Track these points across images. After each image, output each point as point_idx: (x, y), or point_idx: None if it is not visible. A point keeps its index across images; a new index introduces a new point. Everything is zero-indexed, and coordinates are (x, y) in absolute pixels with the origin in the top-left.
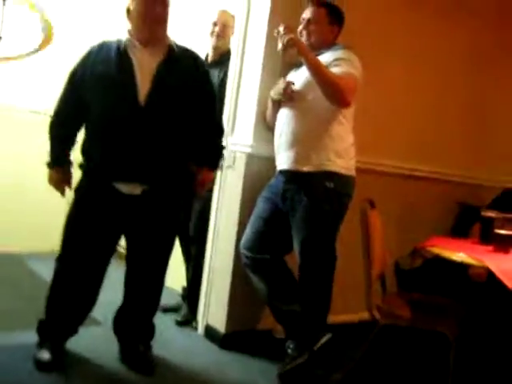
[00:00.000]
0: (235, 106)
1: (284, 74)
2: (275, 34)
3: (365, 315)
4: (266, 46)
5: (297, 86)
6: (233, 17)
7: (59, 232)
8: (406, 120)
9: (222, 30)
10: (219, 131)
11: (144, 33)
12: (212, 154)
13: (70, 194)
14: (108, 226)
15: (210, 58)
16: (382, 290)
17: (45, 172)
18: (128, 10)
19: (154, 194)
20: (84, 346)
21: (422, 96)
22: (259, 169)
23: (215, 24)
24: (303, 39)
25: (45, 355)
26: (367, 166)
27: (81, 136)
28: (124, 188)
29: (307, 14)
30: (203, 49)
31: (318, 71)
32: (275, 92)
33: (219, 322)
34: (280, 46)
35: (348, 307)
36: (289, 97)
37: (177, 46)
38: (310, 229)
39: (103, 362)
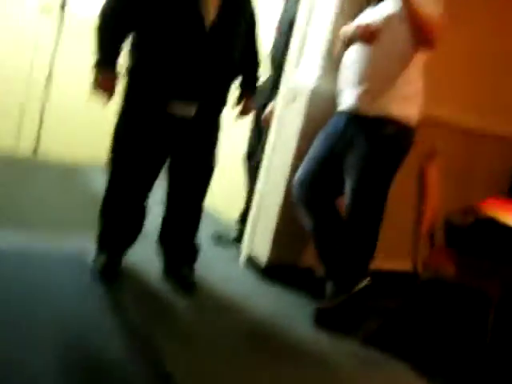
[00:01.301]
0: (303, 41)
1: (359, 11)
2: None
3: (409, 266)
4: None
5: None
6: None
7: None
8: (476, 73)
9: None
10: (259, 61)
11: None
12: (254, 82)
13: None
14: (157, 147)
15: None
16: (429, 244)
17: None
18: None
19: (203, 116)
20: (130, 259)
21: (492, 48)
22: (322, 105)
23: None
24: None
25: (101, 264)
26: (427, 119)
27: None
28: (177, 108)
29: None
30: None
31: (410, 4)
32: (349, 31)
33: (263, 253)
34: None
35: (392, 256)
36: (367, 38)
37: None
38: (364, 173)
39: (147, 278)
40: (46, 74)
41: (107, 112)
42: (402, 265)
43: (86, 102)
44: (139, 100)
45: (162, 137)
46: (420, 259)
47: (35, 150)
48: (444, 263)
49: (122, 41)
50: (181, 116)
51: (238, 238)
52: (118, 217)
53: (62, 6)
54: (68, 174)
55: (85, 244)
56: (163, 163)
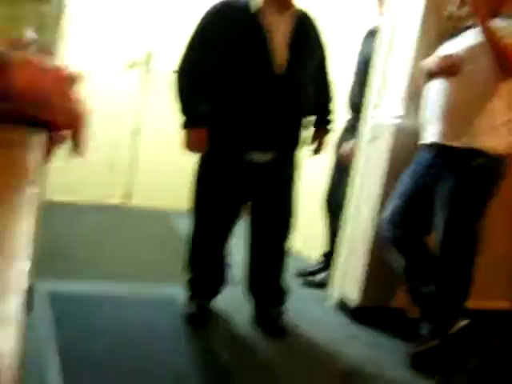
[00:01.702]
0: (384, 76)
1: (439, 44)
2: None
3: (508, 304)
4: (423, 14)
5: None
6: None
7: None
8: None
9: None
10: (332, 96)
11: None
12: (327, 115)
13: None
14: (237, 191)
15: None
16: None
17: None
18: None
19: (280, 159)
20: (219, 304)
21: None
22: (406, 141)
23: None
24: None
25: (191, 310)
26: None
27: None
28: (254, 156)
29: None
30: None
31: (493, 35)
32: (431, 64)
33: (352, 295)
34: (451, 9)
35: (490, 293)
36: (449, 70)
37: (300, 10)
38: (454, 208)
39: (236, 322)
40: (135, 125)
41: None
42: (502, 303)
43: (172, 152)
44: (217, 149)
45: (239, 181)
46: None
47: (126, 197)
48: None
49: (202, 96)
50: (257, 161)
51: (324, 279)
52: (203, 263)
53: (147, 61)
54: (158, 219)
55: (175, 289)
56: (241, 208)
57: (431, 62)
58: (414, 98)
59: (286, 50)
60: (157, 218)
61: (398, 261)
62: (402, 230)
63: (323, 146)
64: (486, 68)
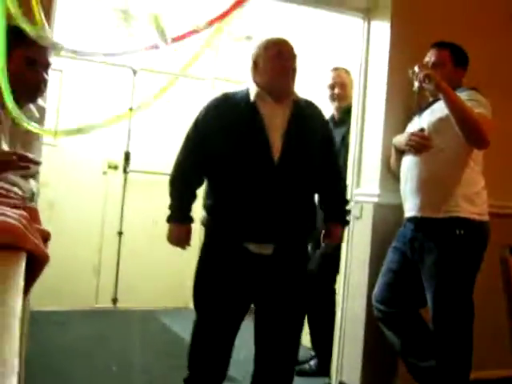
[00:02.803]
0: (359, 156)
1: (406, 120)
2: (410, 75)
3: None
4: (388, 95)
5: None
6: (347, 71)
7: (190, 288)
8: None
9: (341, 90)
10: (343, 186)
11: (277, 84)
12: (339, 209)
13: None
14: (239, 286)
15: (336, 118)
16: None
17: None
18: (255, 62)
19: (283, 252)
20: None
21: None
22: (387, 218)
23: (333, 87)
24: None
25: None
26: (503, 211)
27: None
28: (255, 248)
29: (430, 57)
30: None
31: (459, 107)
32: (402, 142)
33: (354, 378)
34: (416, 85)
35: (494, 362)
36: (419, 146)
37: (301, 99)
38: (441, 280)
39: None
40: (117, 226)
41: (177, 257)
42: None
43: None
44: (216, 241)
45: (241, 275)
46: None
47: (114, 301)
48: None
49: (191, 196)
50: (258, 253)
51: (315, 367)
52: (203, 363)
53: (126, 162)
54: (147, 320)
55: None
56: (247, 305)
57: (401, 139)
58: (388, 175)
59: (281, 140)
60: (146, 319)
61: (392, 338)
62: (391, 308)
63: (335, 240)
64: (454, 139)
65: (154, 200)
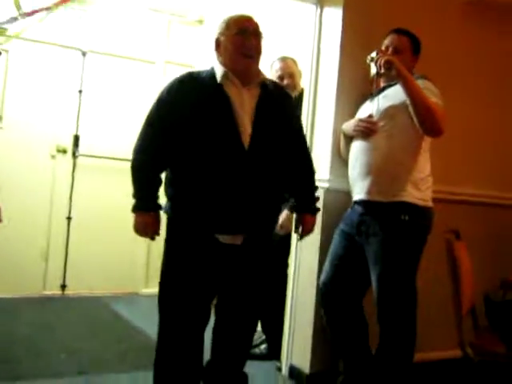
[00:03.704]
0: (310, 142)
1: (357, 106)
2: (367, 61)
3: (456, 352)
4: (339, 82)
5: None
6: (294, 61)
7: (141, 275)
8: (488, 146)
9: (290, 80)
10: (313, 172)
11: (235, 64)
12: (311, 198)
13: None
14: (209, 278)
15: None
16: (473, 325)
17: (127, 216)
18: (218, 42)
19: (252, 242)
20: None
21: (504, 121)
22: (338, 203)
23: (281, 78)
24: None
25: None
26: (449, 196)
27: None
28: (226, 239)
29: (391, 42)
30: None
31: (418, 95)
32: (350, 128)
33: (303, 362)
34: (374, 70)
35: (437, 344)
36: (368, 131)
37: (269, 80)
38: (386, 263)
39: None
40: (66, 211)
41: (128, 243)
42: (450, 352)
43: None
44: (183, 232)
45: (211, 265)
46: (466, 341)
47: (62, 287)
48: (492, 343)
49: (157, 183)
50: (228, 243)
51: (265, 351)
52: (178, 363)
53: (74, 146)
54: (97, 306)
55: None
56: (214, 294)
57: (349, 124)
58: (338, 160)
59: (250, 125)
60: (96, 305)
61: (335, 329)
62: (336, 293)
63: (309, 229)
64: (406, 126)
65: (103, 185)
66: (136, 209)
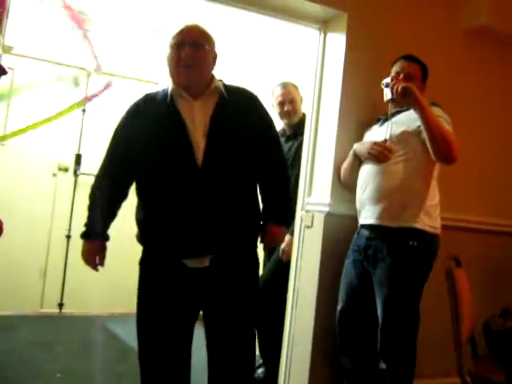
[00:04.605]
0: (312, 166)
1: (361, 131)
2: (382, 86)
3: (455, 380)
4: (341, 106)
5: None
6: (295, 86)
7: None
8: (488, 174)
9: (291, 106)
10: (285, 182)
11: (176, 78)
12: (279, 209)
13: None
14: (181, 302)
15: (288, 133)
16: (472, 353)
17: (123, 234)
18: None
19: (223, 262)
20: None
21: (503, 149)
22: (338, 227)
23: (282, 104)
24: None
25: None
26: (451, 223)
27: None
28: (191, 263)
29: (401, 68)
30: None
31: (436, 124)
32: (363, 150)
33: None
34: (389, 95)
35: (436, 371)
36: (382, 157)
37: (228, 87)
38: (393, 287)
39: None
40: (66, 229)
41: (125, 264)
42: (450, 380)
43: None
44: (150, 257)
45: (181, 290)
46: (465, 369)
47: (60, 306)
48: (491, 371)
49: (111, 212)
50: (195, 267)
51: (261, 375)
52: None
53: (76, 164)
54: (93, 326)
55: None
56: (192, 318)
57: (363, 147)
58: (339, 184)
59: (203, 140)
60: (92, 324)
61: (347, 362)
62: (353, 323)
63: (272, 240)
64: (418, 152)
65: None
66: (82, 236)
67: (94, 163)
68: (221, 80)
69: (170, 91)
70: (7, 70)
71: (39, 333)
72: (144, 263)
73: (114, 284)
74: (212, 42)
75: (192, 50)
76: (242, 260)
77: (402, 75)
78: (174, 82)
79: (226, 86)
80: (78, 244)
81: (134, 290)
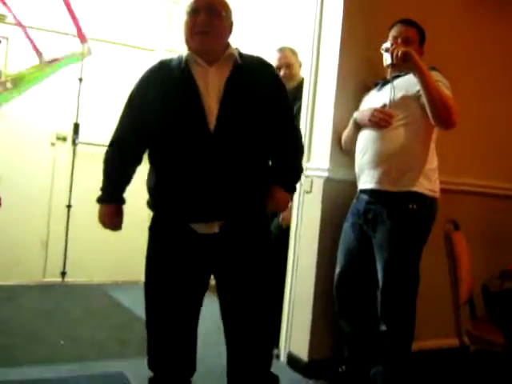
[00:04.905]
0: (310, 131)
1: (359, 96)
2: (382, 50)
3: (453, 341)
4: (339, 71)
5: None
6: (292, 51)
7: (141, 263)
8: (487, 137)
9: (288, 70)
10: (296, 149)
11: (191, 45)
12: (288, 174)
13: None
14: (191, 268)
15: None
16: (470, 315)
17: (127, 204)
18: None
19: (232, 228)
20: None
21: (503, 112)
22: (337, 193)
23: (278, 68)
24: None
25: None
26: (449, 186)
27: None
28: (200, 228)
29: (399, 33)
30: None
31: (435, 89)
32: (364, 117)
33: (302, 350)
34: (389, 60)
35: (434, 333)
36: (384, 123)
37: (243, 56)
38: (393, 250)
39: None
40: (66, 198)
41: (128, 231)
42: (448, 341)
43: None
44: (160, 223)
45: (190, 256)
46: (463, 330)
47: (62, 274)
48: (490, 332)
49: (126, 176)
50: (205, 232)
51: None
52: (165, 355)
53: (74, 134)
54: (96, 294)
55: (125, 364)
56: (203, 286)
57: (363, 114)
58: (339, 150)
59: (217, 106)
60: (95, 293)
61: (343, 326)
62: (352, 286)
63: (277, 205)
64: (418, 116)
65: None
66: (101, 200)
67: (92, 132)
68: (236, 48)
69: (184, 57)
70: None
71: (42, 301)
72: (154, 229)
73: (117, 252)
74: (229, 9)
75: (207, 16)
76: (252, 226)
77: (399, 39)
78: (189, 49)
79: (241, 54)
80: (78, 213)
81: (136, 258)
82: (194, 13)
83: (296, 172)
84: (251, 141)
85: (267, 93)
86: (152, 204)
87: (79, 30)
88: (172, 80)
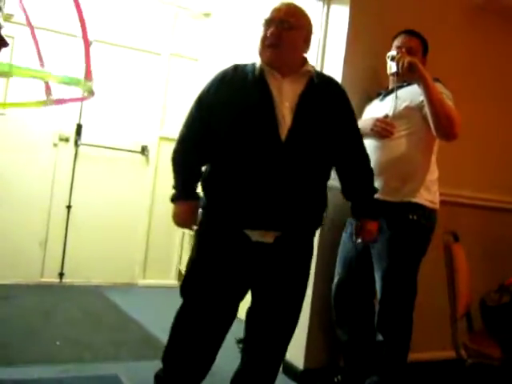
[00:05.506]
0: None
1: (362, 105)
2: (387, 58)
3: (450, 353)
4: (344, 78)
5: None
6: None
7: (139, 266)
8: (488, 150)
9: None
10: (371, 173)
11: (262, 57)
12: (372, 204)
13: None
14: (236, 276)
15: None
16: (467, 328)
17: (124, 206)
18: None
19: (286, 241)
20: None
21: (505, 124)
22: (336, 201)
23: None
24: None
25: None
26: (449, 198)
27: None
28: (255, 235)
29: (403, 43)
30: None
31: (439, 101)
32: (366, 127)
33: (298, 358)
34: (394, 69)
35: (431, 344)
36: (386, 132)
37: (318, 74)
38: (391, 261)
39: None
40: (66, 199)
41: (127, 233)
42: (445, 354)
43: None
44: (214, 226)
45: (239, 263)
46: (461, 343)
47: (60, 275)
48: (487, 346)
49: (197, 172)
50: (259, 240)
51: None
52: (190, 359)
53: (77, 135)
54: (94, 296)
55: (119, 368)
56: (241, 297)
57: (365, 123)
58: None
59: (289, 115)
60: (93, 294)
61: (342, 333)
62: (350, 298)
63: (370, 238)
64: (420, 127)
65: (104, 174)
66: (176, 198)
67: (94, 134)
68: (313, 66)
69: (259, 65)
70: (8, 40)
71: (39, 301)
72: (204, 233)
73: (115, 254)
74: (303, 22)
75: (278, 28)
76: (304, 242)
77: (403, 49)
78: (262, 61)
79: (317, 72)
80: (78, 214)
81: (134, 260)
82: (266, 25)
83: (375, 200)
84: (319, 157)
85: (340, 114)
86: (208, 205)
87: (88, 67)
88: (245, 83)
